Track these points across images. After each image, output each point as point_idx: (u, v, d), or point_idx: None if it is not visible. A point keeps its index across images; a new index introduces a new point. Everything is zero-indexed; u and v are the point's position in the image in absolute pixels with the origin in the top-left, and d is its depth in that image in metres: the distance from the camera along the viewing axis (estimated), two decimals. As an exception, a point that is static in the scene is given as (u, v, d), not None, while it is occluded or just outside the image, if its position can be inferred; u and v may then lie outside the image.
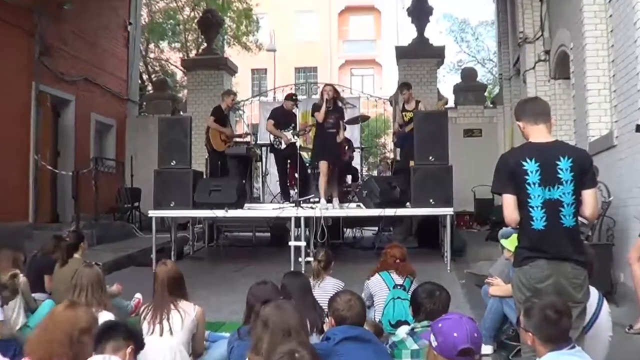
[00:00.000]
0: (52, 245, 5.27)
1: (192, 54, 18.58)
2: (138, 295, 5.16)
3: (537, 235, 2.88)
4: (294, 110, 8.49)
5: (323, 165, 7.38)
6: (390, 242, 6.94)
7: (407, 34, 16.98)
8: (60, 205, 10.39)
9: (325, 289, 4.27)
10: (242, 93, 23.09)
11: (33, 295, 4.65)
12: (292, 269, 6.54)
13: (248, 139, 9.19)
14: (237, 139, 9.00)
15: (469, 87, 12.19)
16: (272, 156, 9.29)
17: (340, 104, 7.67)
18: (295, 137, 8.27)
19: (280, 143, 8.43)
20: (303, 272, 6.52)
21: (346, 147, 8.93)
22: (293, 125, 8.42)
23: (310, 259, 7.03)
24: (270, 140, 8.61)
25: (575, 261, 2.86)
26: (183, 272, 3.67)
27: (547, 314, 2.55)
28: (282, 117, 8.49)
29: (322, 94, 7.54)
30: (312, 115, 7.76)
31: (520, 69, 9.70)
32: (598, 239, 5.51)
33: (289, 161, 8.49)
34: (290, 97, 8.67)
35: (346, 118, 8.20)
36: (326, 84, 7.88)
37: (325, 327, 3.37)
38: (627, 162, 5.46)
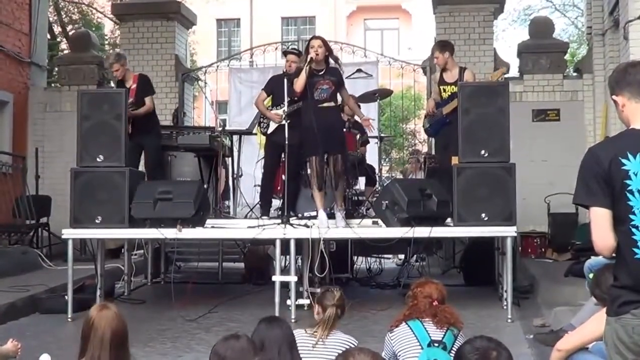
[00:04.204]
0: None
1: (129, -5, 18.59)
2: (45, 357, 5.14)
3: (644, 269, 2.89)
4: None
5: (314, 162, 7.37)
6: (423, 276, 6.94)
7: (449, -33, 16.98)
8: None
9: (331, 347, 4.27)
10: (203, 55, 23.22)
11: None
12: (276, 315, 6.55)
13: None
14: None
15: (542, 47, 12.21)
16: (247, 149, 9.28)
17: (333, 62, 7.55)
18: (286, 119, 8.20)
19: (268, 125, 8.38)
20: (293, 319, 6.59)
21: (357, 136, 8.95)
22: (289, 98, 7.94)
23: (305, 301, 7.08)
24: (260, 119, 8.52)
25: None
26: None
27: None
28: (281, 87, 8.17)
29: (306, 51, 7.45)
30: (292, 84, 7.59)
31: (620, 18, 9.71)
32: None
33: (283, 156, 8.37)
34: (292, 52, 8.58)
35: (355, 92, 8.21)
36: (313, 37, 7.82)
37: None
38: None
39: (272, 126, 8.27)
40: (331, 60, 7.60)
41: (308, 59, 7.29)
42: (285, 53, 8.74)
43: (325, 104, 7.44)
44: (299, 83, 7.32)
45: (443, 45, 8.61)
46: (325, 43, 7.50)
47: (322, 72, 7.42)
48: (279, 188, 8.60)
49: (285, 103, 7.80)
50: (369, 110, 10.98)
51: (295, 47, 9.24)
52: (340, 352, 4.17)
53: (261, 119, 8.54)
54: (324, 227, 7.25)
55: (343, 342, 4.35)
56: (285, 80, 7.80)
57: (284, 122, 8.05)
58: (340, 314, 4.43)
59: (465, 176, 7.18)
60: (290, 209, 7.86)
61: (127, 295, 8.48)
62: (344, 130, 8.23)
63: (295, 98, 7.79)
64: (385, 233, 7.51)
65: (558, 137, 11.29)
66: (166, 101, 12.39)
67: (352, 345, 4.33)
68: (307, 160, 7.52)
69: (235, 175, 9.38)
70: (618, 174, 2.90)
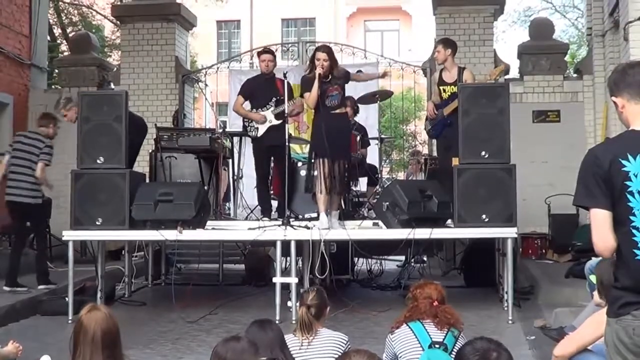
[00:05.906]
0: None
1: (129, -3, 18.61)
2: (45, 359, 5.15)
3: (644, 270, 2.89)
4: (276, 75, 8.45)
5: (322, 165, 7.39)
6: (424, 277, 6.95)
7: (449, -32, 16.98)
8: None
9: (319, 347, 4.28)
10: (204, 56, 23.23)
11: None
12: (277, 318, 6.56)
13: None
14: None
15: (542, 48, 12.22)
16: (247, 150, 9.26)
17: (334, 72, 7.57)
18: (274, 119, 8.22)
19: (257, 128, 8.41)
20: (294, 321, 6.58)
21: (357, 137, 8.95)
22: (275, 99, 8.33)
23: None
24: (245, 123, 8.58)
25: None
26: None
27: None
28: (258, 90, 8.44)
29: (311, 61, 7.49)
30: (301, 96, 7.74)
31: (620, 19, 9.71)
32: None
33: (272, 158, 8.45)
34: (265, 52, 8.69)
35: (355, 93, 8.20)
36: (319, 48, 7.82)
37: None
38: None
39: (262, 130, 8.29)
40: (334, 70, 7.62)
41: (317, 75, 7.28)
42: (259, 54, 8.80)
43: (337, 111, 7.51)
44: (312, 97, 7.34)
45: (447, 42, 8.61)
46: (330, 55, 7.49)
47: (329, 79, 7.46)
48: (278, 190, 8.62)
49: (286, 104, 7.84)
50: (369, 112, 11.01)
51: (270, 49, 9.29)
52: (331, 349, 4.21)
53: (246, 123, 8.53)
54: (325, 228, 7.26)
55: (332, 340, 4.35)
56: (286, 81, 7.84)
57: (274, 122, 8.12)
58: (317, 314, 4.42)
59: (466, 177, 7.19)
60: (288, 208, 7.87)
61: (127, 297, 8.50)
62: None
63: (281, 97, 7.85)
64: (386, 234, 7.52)
65: (558, 138, 11.29)
66: (166, 103, 12.40)
67: (342, 341, 4.34)
68: (313, 163, 7.56)
69: (235, 177, 9.38)
70: (618, 175, 2.90)
